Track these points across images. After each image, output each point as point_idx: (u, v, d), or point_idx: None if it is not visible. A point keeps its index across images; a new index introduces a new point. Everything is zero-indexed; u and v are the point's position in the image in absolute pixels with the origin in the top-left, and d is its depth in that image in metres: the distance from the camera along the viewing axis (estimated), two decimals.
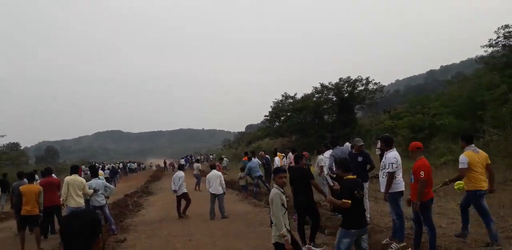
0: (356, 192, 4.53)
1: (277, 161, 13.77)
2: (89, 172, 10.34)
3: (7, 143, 65.42)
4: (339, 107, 34.10)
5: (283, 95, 37.81)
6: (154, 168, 54.33)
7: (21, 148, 72.23)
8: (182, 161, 36.35)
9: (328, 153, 8.91)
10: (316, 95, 36.21)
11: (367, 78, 32.44)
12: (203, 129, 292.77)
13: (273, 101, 38.59)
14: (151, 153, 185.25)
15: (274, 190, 4.69)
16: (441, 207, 7.87)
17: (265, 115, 38.66)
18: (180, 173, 11.46)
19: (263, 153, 14.77)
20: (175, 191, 11.02)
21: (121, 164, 44.10)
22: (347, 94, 33.38)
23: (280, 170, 5.11)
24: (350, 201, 4.44)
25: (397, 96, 66.66)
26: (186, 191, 11.07)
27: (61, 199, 8.33)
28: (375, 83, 32.33)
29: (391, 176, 5.78)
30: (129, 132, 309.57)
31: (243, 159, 16.27)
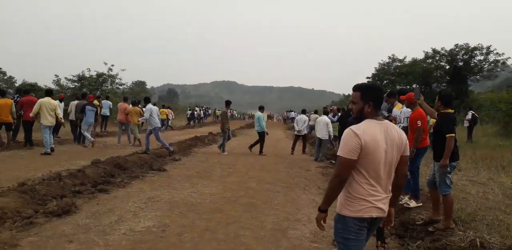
0: (455, 125, 4.41)
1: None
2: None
3: (136, 80, 74.60)
4: (451, 76, 31.18)
5: (390, 58, 35.76)
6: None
7: (147, 87, 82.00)
8: (293, 114, 42.50)
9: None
10: (427, 61, 33.49)
11: (488, 47, 28.68)
12: (313, 89, 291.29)
13: (379, 63, 36.80)
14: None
15: None
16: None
17: (367, 77, 37.28)
18: (304, 117, 13.22)
19: (335, 108, 14.86)
20: (298, 131, 13.04)
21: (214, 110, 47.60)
22: (462, 63, 30.20)
23: None
24: (453, 135, 4.33)
25: None
26: (306, 133, 13.23)
27: (31, 115, 9.71)
28: (498, 54, 28.46)
29: (405, 130, 5.78)
30: (243, 84, 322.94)
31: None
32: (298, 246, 4.13)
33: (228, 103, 12.49)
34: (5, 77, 44.59)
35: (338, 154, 2.31)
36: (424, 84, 34.05)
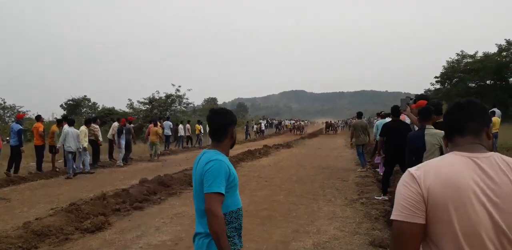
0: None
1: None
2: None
3: (207, 97, 78.71)
4: None
5: (458, 55, 33.70)
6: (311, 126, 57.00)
7: (218, 103, 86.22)
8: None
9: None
10: (502, 54, 31.10)
11: None
12: (386, 91, 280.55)
13: (446, 61, 34.88)
14: (330, 113, 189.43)
15: None
16: None
17: (435, 77, 35.43)
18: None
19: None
20: None
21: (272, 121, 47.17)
22: None
23: None
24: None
25: None
26: None
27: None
28: None
29: None
30: (312, 92, 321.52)
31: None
32: None
33: (360, 114, 11.65)
34: (90, 104, 49.29)
35: (392, 216, 1.34)
36: (499, 80, 31.62)
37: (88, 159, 11.38)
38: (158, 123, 16.47)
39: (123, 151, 13.04)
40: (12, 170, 10.23)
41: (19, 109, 33.37)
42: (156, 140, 14.70)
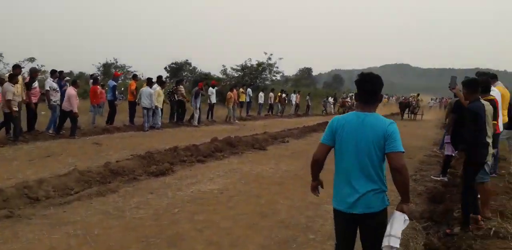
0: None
1: None
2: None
3: (302, 67, 78.43)
4: None
5: None
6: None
7: (313, 73, 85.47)
8: None
9: None
10: None
11: None
12: (505, 71, 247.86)
13: None
14: (435, 90, 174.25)
15: None
16: None
17: None
18: None
19: None
20: None
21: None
22: None
23: None
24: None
25: None
26: None
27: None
28: None
29: None
30: (418, 67, 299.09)
31: None
32: (319, 216, 4.70)
33: None
34: (190, 68, 52.53)
35: None
36: None
37: (159, 116, 12.44)
38: (241, 90, 17.44)
39: (198, 112, 14.14)
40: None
41: (128, 69, 36.76)
42: (229, 104, 15.94)
